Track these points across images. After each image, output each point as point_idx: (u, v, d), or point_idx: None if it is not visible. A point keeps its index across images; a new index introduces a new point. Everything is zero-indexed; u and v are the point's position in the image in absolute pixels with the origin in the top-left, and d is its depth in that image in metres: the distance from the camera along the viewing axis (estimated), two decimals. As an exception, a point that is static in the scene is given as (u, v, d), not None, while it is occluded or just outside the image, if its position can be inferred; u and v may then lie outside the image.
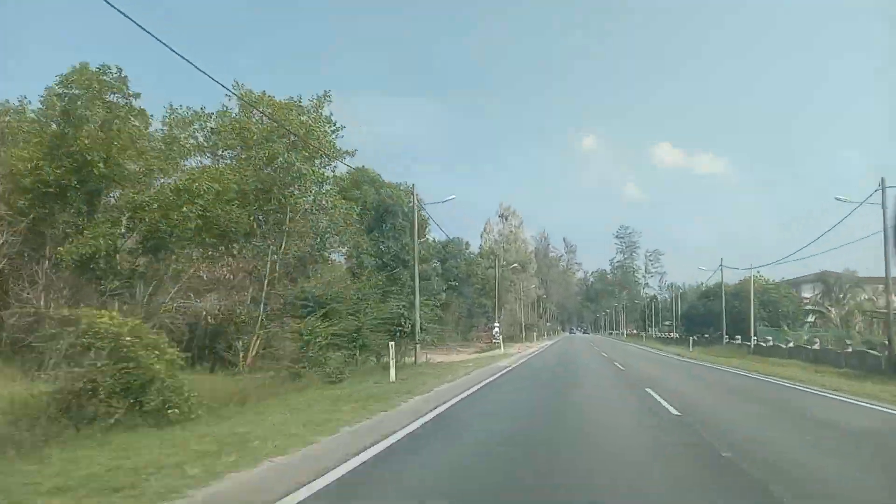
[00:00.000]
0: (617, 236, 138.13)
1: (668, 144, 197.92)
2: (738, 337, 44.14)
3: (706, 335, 55.90)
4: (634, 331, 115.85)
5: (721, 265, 45.80)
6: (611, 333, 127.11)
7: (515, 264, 66.66)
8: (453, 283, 55.16)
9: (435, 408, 11.09)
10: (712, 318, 57.06)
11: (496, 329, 44.95)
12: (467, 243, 53.43)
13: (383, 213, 36.32)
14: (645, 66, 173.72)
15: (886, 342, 23.68)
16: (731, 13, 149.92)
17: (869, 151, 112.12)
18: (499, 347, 43.47)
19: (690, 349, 45.22)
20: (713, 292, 59.07)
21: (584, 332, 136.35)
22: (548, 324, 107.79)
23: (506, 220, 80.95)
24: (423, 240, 37.57)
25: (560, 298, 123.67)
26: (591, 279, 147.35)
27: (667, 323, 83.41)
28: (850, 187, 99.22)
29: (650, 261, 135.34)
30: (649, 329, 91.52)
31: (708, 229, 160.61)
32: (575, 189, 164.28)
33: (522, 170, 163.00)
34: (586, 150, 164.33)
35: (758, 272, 49.12)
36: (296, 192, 20.91)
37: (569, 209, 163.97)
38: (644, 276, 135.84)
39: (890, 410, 12.18)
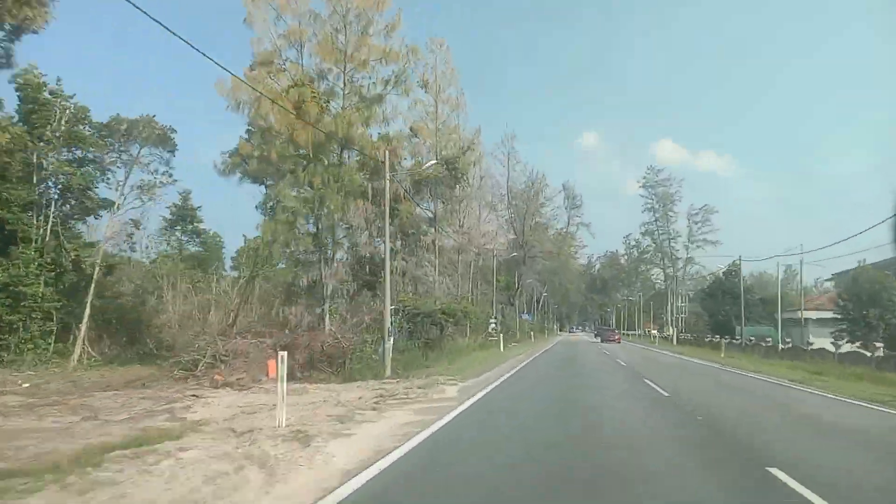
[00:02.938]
0: (644, 186, 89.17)
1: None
2: None
3: None
4: (663, 331, 68.23)
5: None
6: (629, 335, 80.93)
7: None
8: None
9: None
10: None
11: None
12: None
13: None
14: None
15: None
16: None
17: None
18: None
19: None
20: None
21: (598, 337, 66.38)
22: (523, 315, 58.69)
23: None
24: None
25: (549, 273, 71.79)
26: (598, 264, 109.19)
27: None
28: None
29: (695, 223, 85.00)
30: (740, 329, 41.82)
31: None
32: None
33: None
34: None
35: None
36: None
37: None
38: (687, 247, 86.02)
39: None
